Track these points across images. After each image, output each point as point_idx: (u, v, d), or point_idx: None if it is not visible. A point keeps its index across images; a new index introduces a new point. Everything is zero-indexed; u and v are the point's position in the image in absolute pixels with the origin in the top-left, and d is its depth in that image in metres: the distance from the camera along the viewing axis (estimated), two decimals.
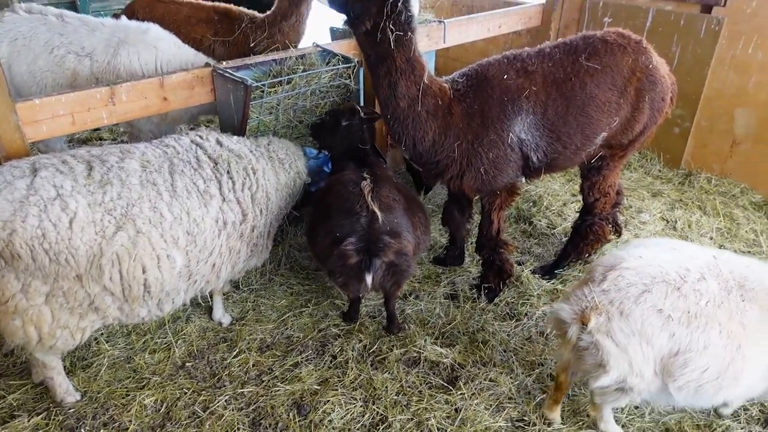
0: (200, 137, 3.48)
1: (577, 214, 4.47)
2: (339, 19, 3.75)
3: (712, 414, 3.23)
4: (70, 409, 3.23)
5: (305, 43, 5.45)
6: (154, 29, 4.56)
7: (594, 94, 3.60)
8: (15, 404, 3.25)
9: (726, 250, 4.02)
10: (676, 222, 5.07)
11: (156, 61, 4.35)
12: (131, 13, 5.47)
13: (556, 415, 3.13)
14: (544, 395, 3.33)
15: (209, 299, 3.92)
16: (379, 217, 3.35)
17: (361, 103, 4.75)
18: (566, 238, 4.62)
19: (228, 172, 3.36)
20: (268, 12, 5.42)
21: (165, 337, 3.76)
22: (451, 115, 3.53)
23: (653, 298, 2.60)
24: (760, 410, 3.28)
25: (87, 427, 3.13)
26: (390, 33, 3.12)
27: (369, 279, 3.31)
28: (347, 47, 4.56)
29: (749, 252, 4.68)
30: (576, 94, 3.59)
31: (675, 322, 2.56)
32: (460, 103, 3.54)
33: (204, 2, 5.68)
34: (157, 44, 4.43)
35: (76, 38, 4.37)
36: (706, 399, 2.69)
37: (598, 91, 3.60)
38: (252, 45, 5.27)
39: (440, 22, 5.24)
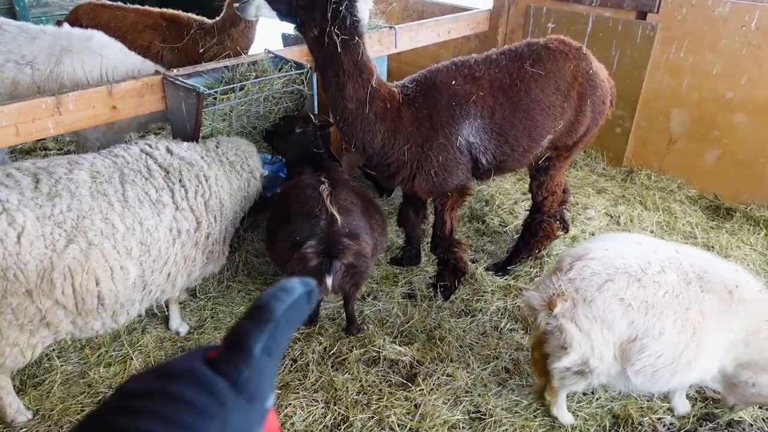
0: (149, 146, 3.44)
1: (528, 213, 4.65)
2: (290, 26, 3.79)
3: (655, 398, 3.44)
4: (21, 428, 3.13)
5: (256, 49, 5.45)
6: (98, 36, 4.47)
7: (539, 99, 3.76)
8: None
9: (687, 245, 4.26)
10: (619, 217, 5.33)
11: (101, 68, 4.27)
12: (75, 19, 5.33)
13: (551, 398, 3.22)
14: (500, 387, 3.46)
15: (165, 309, 3.88)
16: (338, 219, 3.41)
17: (315, 109, 4.81)
18: (518, 236, 4.80)
19: (180, 181, 3.33)
20: (217, 18, 5.40)
21: (121, 350, 3.70)
22: (400, 119, 3.62)
23: (615, 287, 2.77)
24: (696, 391, 3.51)
25: None
26: (336, 37, 3.22)
27: (329, 281, 3.36)
28: (299, 53, 4.60)
29: (686, 243, 4.97)
30: (522, 98, 3.74)
31: (634, 310, 2.74)
32: (409, 107, 3.64)
33: (151, 8, 5.59)
34: (102, 51, 4.34)
35: (15, 46, 4.24)
36: (662, 383, 2.85)
37: (543, 96, 3.77)
38: (201, 51, 5.24)
39: (391, 27, 5.34)
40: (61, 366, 3.54)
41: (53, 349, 3.63)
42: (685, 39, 5.50)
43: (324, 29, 3.22)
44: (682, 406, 3.33)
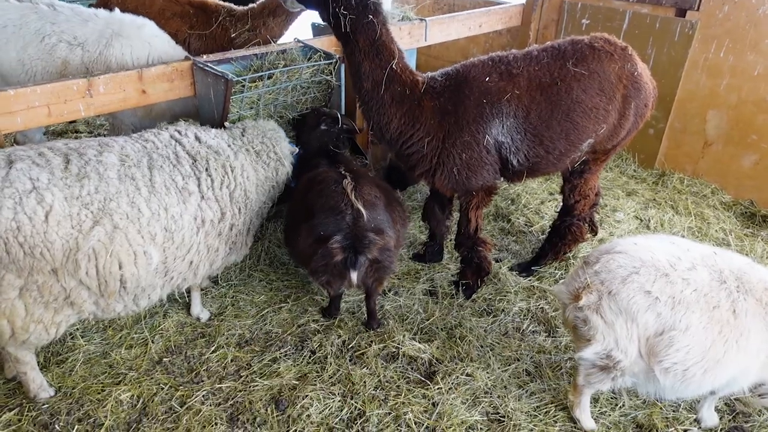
0: (179, 132, 3.44)
1: (555, 213, 4.55)
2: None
3: (681, 408, 3.33)
4: (43, 404, 3.18)
5: (286, 38, 5.43)
6: (149, 25, 4.50)
7: (580, 100, 3.61)
8: None
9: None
10: (649, 221, 5.19)
11: (148, 57, 4.28)
12: (104, 3, 5.36)
13: (574, 398, 3.18)
14: (520, 390, 3.40)
15: (186, 296, 3.89)
16: (364, 214, 3.37)
17: (342, 100, 4.78)
18: (543, 236, 4.71)
19: (206, 170, 3.32)
20: (252, 5, 5.37)
21: (142, 332, 3.73)
22: (421, 109, 3.58)
23: (641, 279, 2.74)
24: (725, 404, 3.39)
25: (61, 423, 3.09)
26: (342, 17, 3.32)
27: (354, 276, 3.34)
28: (329, 43, 4.56)
29: None
30: (561, 99, 3.60)
31: (661, 303, 2.69)
32: (432, 99, 3.59)
33: None
34: (152, 41, 4.36)
35: (68, 27, 4.30)
36: (694, 384, 2.78)
37: (585, 97, 3.62)
38: (233, 36, 5.22)
39: (422, 20, 5.27)
40: (84, 345, 3.59)
41: (77, 329, 3.68)
42: (725, 38, 5.31)
43: (333, 10, 3.35)
44: (710, 418, 3.22)
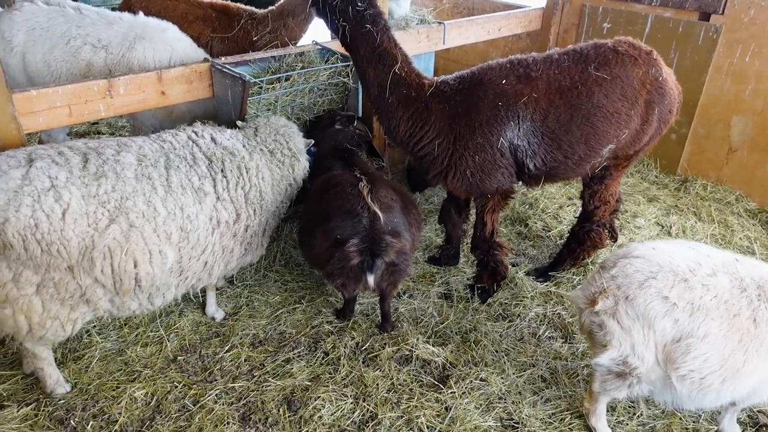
0: (195, 134, 3.46)
1: (574, 218, 4.49)
2: None
3: (702, 419, 3.24)
4: (59, 400, 3.22)
5: (304, 41, 5.46)
6: (172, 29, 4.57)
7: (601, 105, 3.55)
8: (5, 394, 3.25)
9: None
10: (670, 227, 5.08)
11: (170, 60, 4.34)
12: (128, 7, 5.45)
13: (590, 406, 3.13)
14: (535, 396, 3.34)
15: (200, 295, 3.92)
16: (381, 217, 3.36)
17: (359, 102, 4.79)
18: (561, 241, 4.64)
19: (222, 171, 3.33)
20: (272, 7, 5.42)
21: (158, 331, 3.76)
22: (428, 111, 3.59)
23: (658, 285, 2.68)
24: (748, 415, 3.29)
25: (76, 419, 3.13)
26: (342, 28, 3.47)
27: (371, 279, 3.34)
28: None
29: None
30: (582, 103, 3.54)
31: (679, 309, 2.63)
32: (441, 102, 3.60)
33: None
34: (174, 44, 4.43)
35: (93, 30, 4.39)
36: (712, 394, 2.70)
37: (607, 102, 3.56)
38: (255, 39, 5.27)
39: (440, 23, 5.26)
40: (101, 342, 3.63)
41: (93, 326, 3.73)
42: (751, 42, 5.19)
43: (331, 20, 3.51)
44: (732, 430, 3.12)
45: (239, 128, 3.75)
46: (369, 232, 3.32)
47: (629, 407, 3.31)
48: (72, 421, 3.11)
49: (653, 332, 2.67)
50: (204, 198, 3.20)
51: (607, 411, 3.17)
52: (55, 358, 3.32)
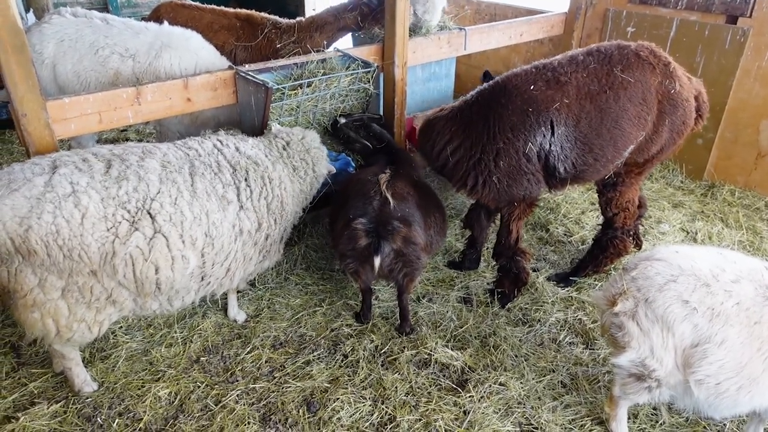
0: (221, 142, 3.49)
1: (596, 223, 4.45)
2: None
3: (727, 428, 3.17)
4: (87, 398, 3.32)
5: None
6: (197, 38, 4.70)
7: (626, 108, 3.59)
8: (36, 392, 3.36)
9: None
10: (696, 233, 4.99)
11: (196, 68, 4.46)
12: (156, 17, 5.62)
13: (611, 411, 3.11)
14: (555, 401, 3.32)
15: (219, 298, 3.98)
16: (391, 202, 3.47)
17: (380, 108, 4.84)
18: (583, 246, 4.59)
19: (245, 180, 3.36)
20: (300, 18, 5.51)
21: (181, 332, 3.84)
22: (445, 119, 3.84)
23: (679, 288, 2.66)
24: None
25: (103, 416, 3.21)
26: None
27: (377, 261, 3.43)
28: (368, 52, 4.64)
29: None
30: (611, 106, 3.58)
31: (699, 314, 2.60)
32: (460, 110, 3.81)
33: (226, 9, 5.80)
34: (199, 52, 4.55)
35: (120, 40, 4.53)
36: (728, 401, 2.65)
37: (630, 105, 3.60)
38: (278, 47, 5.37)
39: (461, 29, 5.28)
40: (127, 342, 3.72)
41: (120, 326, 3.83)
42: None
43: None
44: None
45: (266, 135, 3.79)
46: (377, 214, 3.46)
47: (651, 414, 3.26)
48: (99, 419, 3.20)
49: (672, 336, 2.63)
50: (227, 206, 3.22)
51: (629, 418, 3.12)
52: (83, 357, 3.42)
